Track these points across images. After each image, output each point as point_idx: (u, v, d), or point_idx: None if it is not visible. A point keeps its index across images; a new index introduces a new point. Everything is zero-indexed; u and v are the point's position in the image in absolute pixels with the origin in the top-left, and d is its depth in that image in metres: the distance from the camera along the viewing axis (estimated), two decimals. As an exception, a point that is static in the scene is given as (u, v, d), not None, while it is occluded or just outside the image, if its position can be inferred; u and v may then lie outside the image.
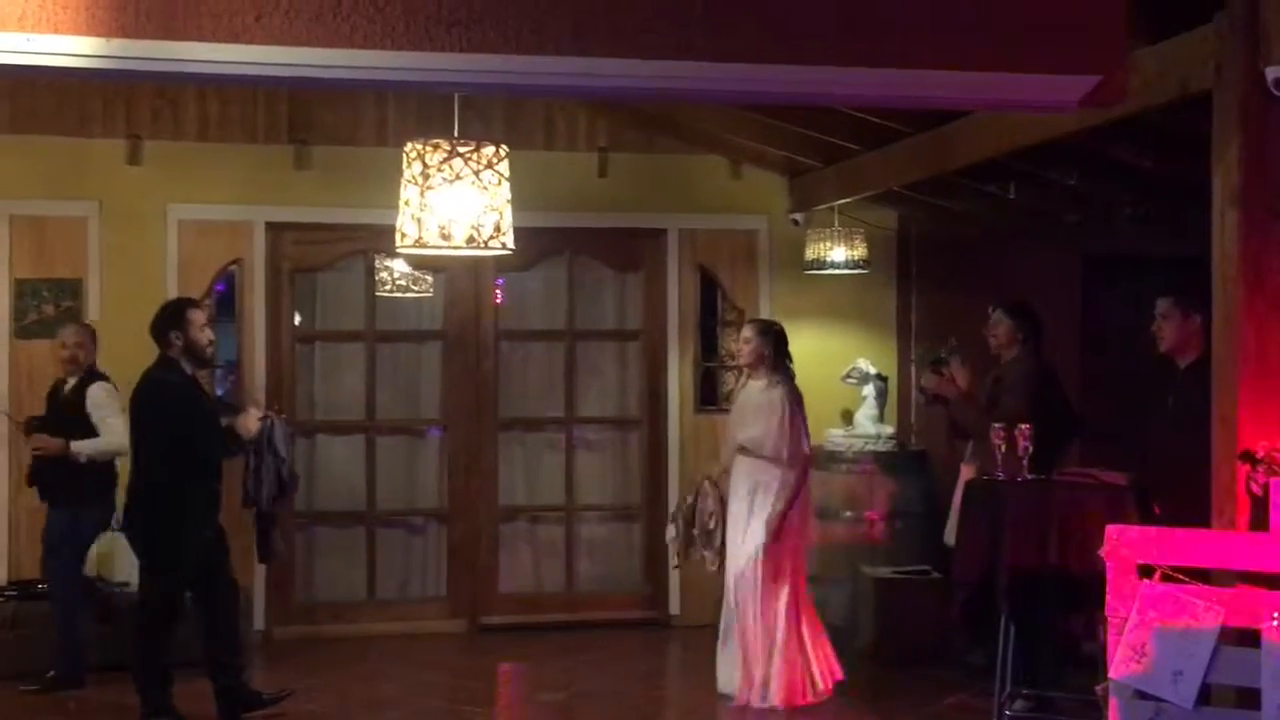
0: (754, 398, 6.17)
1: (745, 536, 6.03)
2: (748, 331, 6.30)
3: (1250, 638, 3.78)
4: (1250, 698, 3.77)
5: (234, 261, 7.46)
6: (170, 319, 5.71)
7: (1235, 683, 3.81)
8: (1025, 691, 5.22)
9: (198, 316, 5.73)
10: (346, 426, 7.77)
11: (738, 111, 6.86)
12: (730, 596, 6.10)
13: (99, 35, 3.26)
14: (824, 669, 6.09)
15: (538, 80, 3.93)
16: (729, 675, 6.11)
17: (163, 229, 7.33)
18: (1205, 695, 3.83)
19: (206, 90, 7.23)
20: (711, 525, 6.21)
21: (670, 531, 6.50)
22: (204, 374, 6.24)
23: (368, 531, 7.79)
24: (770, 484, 5.99)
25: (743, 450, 6.11)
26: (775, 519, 5.94)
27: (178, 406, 5.60)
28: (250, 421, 5.78)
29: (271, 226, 7.50)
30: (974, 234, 7.77)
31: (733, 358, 7.95)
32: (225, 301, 7.58)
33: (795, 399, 6.09)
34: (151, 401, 5.65)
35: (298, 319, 7.83)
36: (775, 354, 6.18)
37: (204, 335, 5.72)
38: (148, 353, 7.13)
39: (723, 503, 6.18)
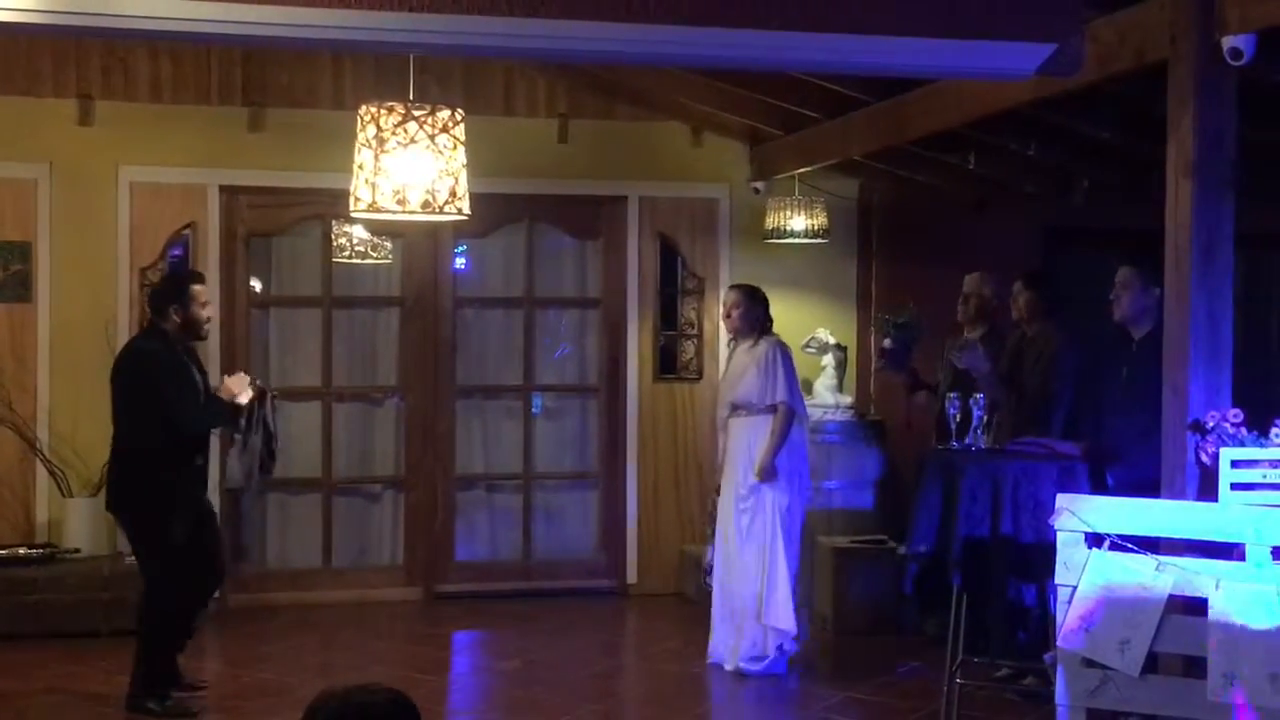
0: (745, 357, 6.24)
1: (742, 498, 6.08)
2: (734, 296, 6.34)
3: (1198, 606, 3.81)
4: (1197, 666, 3.80)
5: (187, 225, 7.36)
6: (172, 292, 5.55)
7: (1182, 651, 3.85)
8: (976, 660, 5.25)
9: (200, 293, 5.56)
10: (303, 393, 7.70)
11: (699, 78, 6.81)
12: (729, 560, 6.11)
13: (37, -12, 3.19)
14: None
15: (489, 41, 3.90)
16: (734, 642, 6.14)
17: (114, 191, 7.22)
18: (1153, 663, 3.86)
19: (158, 49, 7.12)
20: None
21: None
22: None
23: (324, 499, 7.74)
24: (761, 440, 6.06)
25: (736, 411, 6.15)
26: (766, 465, 6.00)
27: (161, 376, 5.40)
28: (234, 384, 5.58)
29: (225, 190, 7.40)
30: (934, 204, 7.78)
31: (692, 326, 7.95)
32: (178, 265, 7.47)
33: (782, 351, 6.19)
34: (133, 371, 5.47)
35: (258, 286, 7.75)
36: (763, 317, 6.26)
37: (204, 312, 5.56)
38: (98, 315, 7.12)
39: None
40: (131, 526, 5.55)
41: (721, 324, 7.02)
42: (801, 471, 6.19)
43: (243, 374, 5.74)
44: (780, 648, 6.10)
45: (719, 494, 6.31)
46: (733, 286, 6.62)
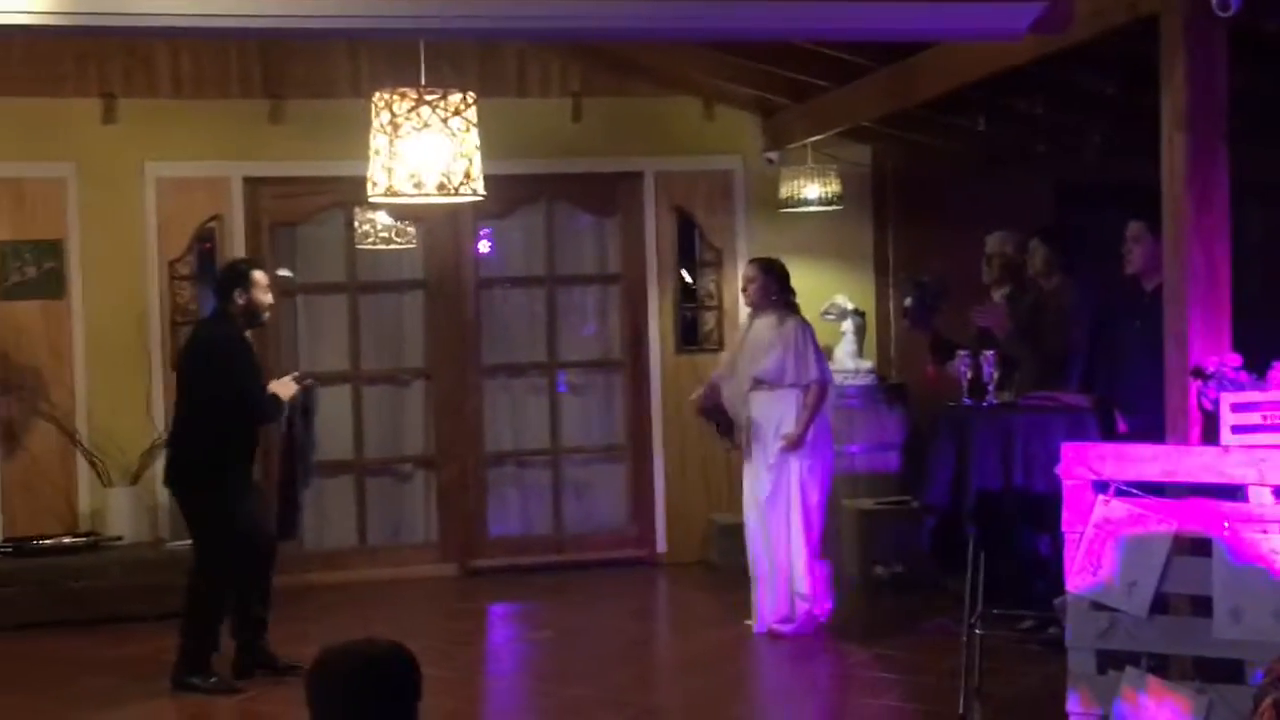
0: (765, 333, 6.36)
1: (769, 468, 6.25)
2: (750, 270, 6.50)
3: (1203, 547, 3.91)
4: (1203, 605, 3.91)
5: (213, 217, 7.53)
6: (236, 277, 5.74)
7: (1188, 591, 3.95)
8: (995, 611, 5.35)
9: (261, 278, 5.76)
10: (332, 377, 7.83)
11: (708, 51, 6.92)
12: (759, 529, 6.28)
13: (55, -9, 3.34)
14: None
15: (494, 24, 4.03)
16: (765, 604, 6.33)
17: (140, 187, 7.40)
18: (1162, 605, 3.97)
19: (178, 45, 7.28)
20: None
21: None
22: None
23: (356, 480, 7.92)
24: (789, 413, 6.23)
25: (759, 385, 6.29)
26: (797, 436, 6.18)
27: (234, 363, 5.59)
28: (286, 387, 5.76)
29: (249, 181, 7.56)
30: (947, 167, 7.85)
31: (711, 297, 8.07)
32: (206, 258, 7.64)
33: (808, 328, 6.38)
34: (207, 355, 5.66)
35: (288, 273, 7.90)
36: (780, 290, 6.38)
37: (266, 298, 5.75)
38: (130, 309, 7.31)
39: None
40: (194, 505, 5.70)
41: (741, 295, 7.13)
42: (827, 440, 6.38)
43: (288, 378, 5.87)
44: (808, 612, 6.24)
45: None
46: (750, 261, 6.76)
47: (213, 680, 5.65)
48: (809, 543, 6.25)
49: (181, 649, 5.68)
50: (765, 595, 6.30)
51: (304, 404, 5.83)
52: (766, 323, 6.38)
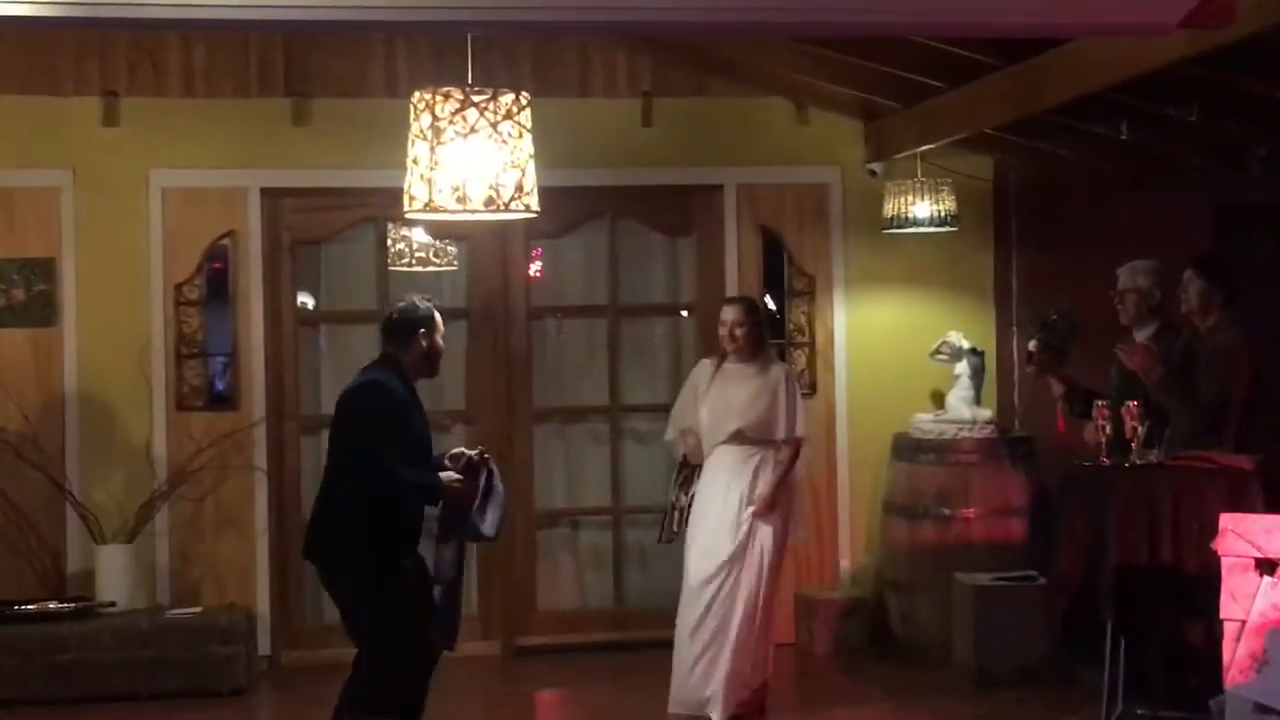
0: (749, 381, 6.51)
1: (735, 527, 6.41)
2: (735, 315, 6.57)
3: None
4: (1390, 710, 3.84)
5: (226, 234, 7.65)
6: (423, 319, 5.45)
7: (1372, 693, 3.88)
8: (1139, 711, 5.30)
9: (442, 323, 5.53)
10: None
11: (801, 46, 6.94)
12: (715, 596, 6.44)
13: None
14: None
15: (552, 15, 4.06)
16: (714, 689, 6.39)
17: (144, 198, 7.53)
18: (1339, 709, 3.91)
19: (190, 38, 7.42)
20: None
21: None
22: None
23: (386, 541, 7.97)
24: (763, 467, 6.45)
25: (738, 438, 6.44)
26: (771, 495, 6.40)
27: (385, 413, 5.29)
28: (452, 487, 5.39)
29: (268, 193, 7.68)
30: (1082, 183, 7.82)
31: (802, 333, 8.06)
32: (217, 281, 7.76)
33: (794, 378, 6.71)
34: (371, 407, 5.33)
35: (311, 302, 8.01)
36: (764, 334, 6.65)
37: (442, 345, 5.54)
38: (131, 339, 7.44)
39: None
40: (341, 589, 5.39)
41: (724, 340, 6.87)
42: (794, 505, 6.64)
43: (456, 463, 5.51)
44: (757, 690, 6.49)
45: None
46: (731, 302, 6.79)
47: None
48: (767, 613, 6.46)
49: None
50: (718, 672, 6.40)
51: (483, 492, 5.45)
52: (749, 370, 6.52)
